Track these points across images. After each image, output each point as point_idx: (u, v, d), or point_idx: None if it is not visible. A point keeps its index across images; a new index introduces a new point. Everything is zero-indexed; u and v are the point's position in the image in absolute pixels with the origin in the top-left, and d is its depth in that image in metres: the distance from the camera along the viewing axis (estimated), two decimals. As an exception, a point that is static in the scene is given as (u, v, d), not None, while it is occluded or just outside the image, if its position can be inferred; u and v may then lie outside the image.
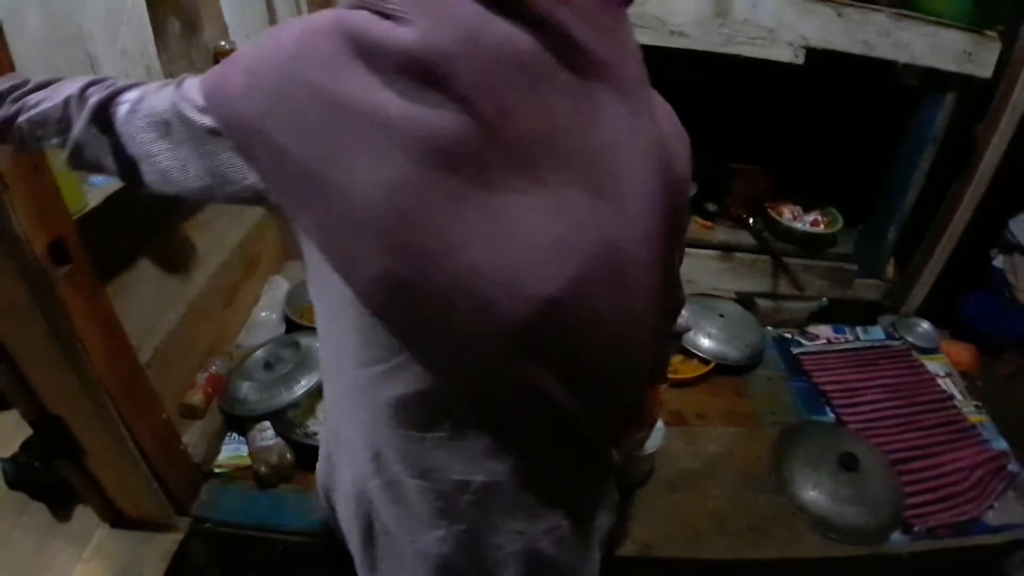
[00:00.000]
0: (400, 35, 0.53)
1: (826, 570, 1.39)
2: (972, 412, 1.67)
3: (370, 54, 0.54)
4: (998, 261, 1.94)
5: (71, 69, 1.15)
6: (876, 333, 1.93)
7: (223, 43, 1.49)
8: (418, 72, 0.53)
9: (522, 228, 0.57)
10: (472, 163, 0.55)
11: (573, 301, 0.60)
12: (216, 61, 1.47)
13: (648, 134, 0.64)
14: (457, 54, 0.53)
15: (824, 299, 1.87)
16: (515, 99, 0.55)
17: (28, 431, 1.45)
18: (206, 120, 0.60)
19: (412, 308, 0.59)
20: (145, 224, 1.36)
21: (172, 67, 1.39)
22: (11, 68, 0.89)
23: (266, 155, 0.57)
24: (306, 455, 1.43)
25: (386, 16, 0.55)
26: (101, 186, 1.16)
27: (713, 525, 1.40)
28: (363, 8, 0.57)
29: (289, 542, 1.36)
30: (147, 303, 1.36)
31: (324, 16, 0.57)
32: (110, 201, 1.16)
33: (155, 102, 0.64)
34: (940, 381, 1.75)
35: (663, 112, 0.70)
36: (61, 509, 1.39)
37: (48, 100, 0.68)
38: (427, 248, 0.56)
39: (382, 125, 0.53)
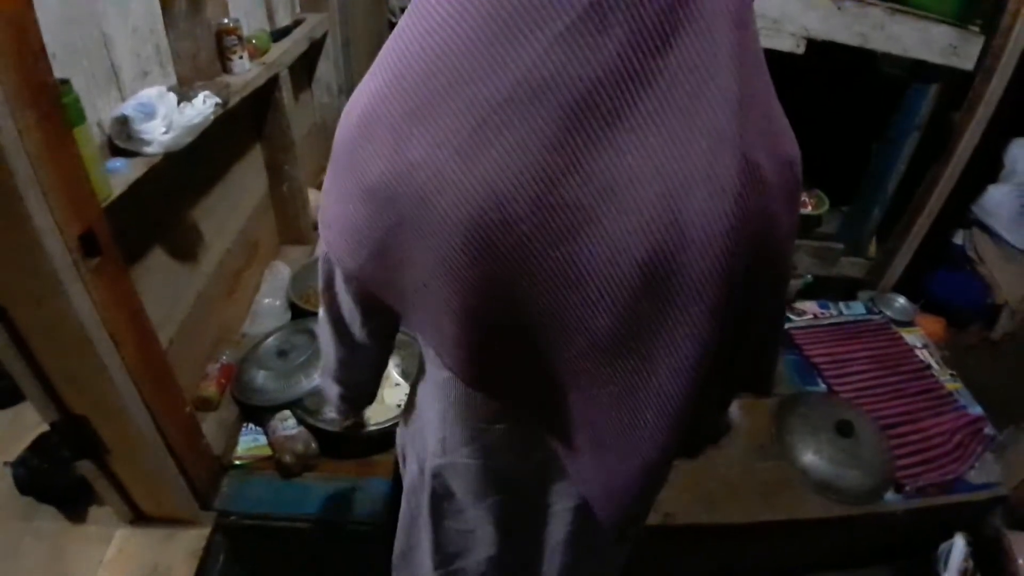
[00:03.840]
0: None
1: (829, 528, 1.50)
2: (948, 380, 1.82)
3: (417, 221, 0.54)
4: (958, 238, 2.09)
5: (86, 47, 1.10)
6: (857, 308, 2.06)
7: (225, 20, 1.42)
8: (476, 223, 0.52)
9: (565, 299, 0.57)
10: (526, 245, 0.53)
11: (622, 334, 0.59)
12: (219, 39, 1.42)
13: (726, 169, 0.51)
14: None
15: (809, 276, 1.98)
16: (575, 153, 0.50)
17: (26, 432, 1.39)
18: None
19: (495, 373, 0.65)
20: (156, 211, 1.30)
21: (179, 45, 1.33)
22: (41, 44, 0.85)
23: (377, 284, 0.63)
24: (328, 442, 1.42)
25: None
26: (124, 172, 1.10)
27: (726, 491, 1.49)
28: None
29: (317, 530, 1.35)
30: (159, 294, 1.31)
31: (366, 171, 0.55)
32: (130, 189, 1.10)
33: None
34: (918, 352, 1.89)
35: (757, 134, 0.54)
36: (74, 511, 1.34)
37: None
38: (504, 329, 0.60)
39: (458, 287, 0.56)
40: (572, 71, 0.47)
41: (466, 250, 0.53)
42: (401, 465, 1.02)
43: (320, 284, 0.71)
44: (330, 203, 0.61)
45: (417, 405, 0.88)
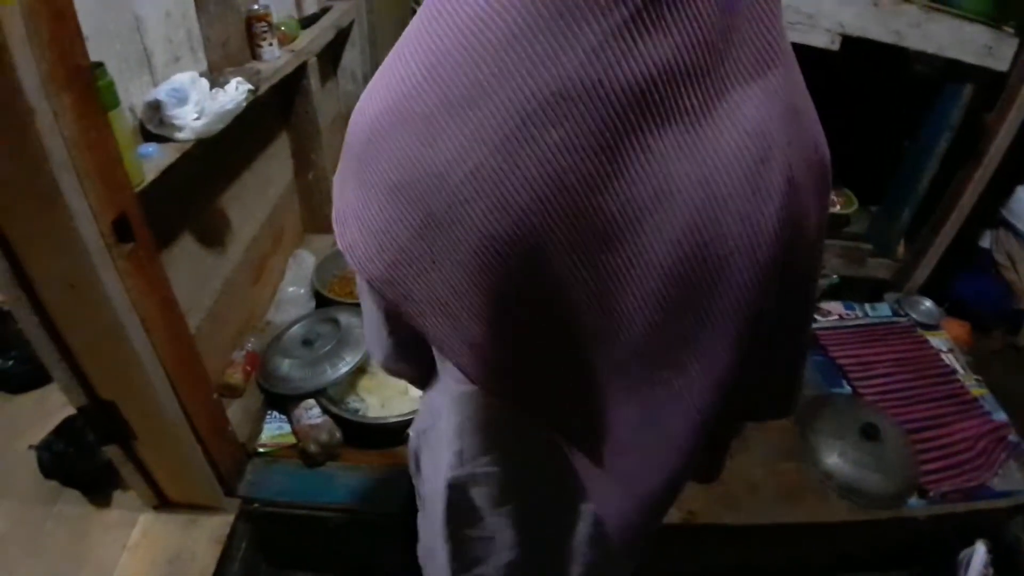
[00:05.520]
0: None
1: (851, 532, 1.49)
2: (973, 385, 1.79)
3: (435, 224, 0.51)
4: (984, 240, 2.07)
5: (119, 30, 1.09)
6: (883, 310, 2.03)
7: (255, 6, 1.41)
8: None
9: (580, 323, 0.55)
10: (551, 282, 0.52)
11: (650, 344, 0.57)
12: (249, 25, 1.41)
13: (773, 177, 0.50)
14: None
15: (835, 276, 1.96)
16: (606, 164, 0.47)
17: (50, 416, 1.39)
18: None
19: (524, 386, 0.62)
20: (185, 197, 1.30)
21: (210, 31, 1.33)
22: (77, 26, 0.84)
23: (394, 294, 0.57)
24: (351, 432, 1.42)
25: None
26: (156, 158, 1.10)
27: (749, 492, 1.48)
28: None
29: (340, 519, 1.36)
30: (187, 280, 1.31)
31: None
32: (160, 174, 1.10)
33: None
34: (943, 356, 1.86)
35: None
36: (98, 496, 1.34)
37: None
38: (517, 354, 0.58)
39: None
40: (626, 68, 0.44)
41: (502, 257, 0.50)
42: (412, 467, 1.00)
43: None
44: (347, 202, 0.56)
45: (431, 416, 0.85)
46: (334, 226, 0.59)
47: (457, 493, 0.83)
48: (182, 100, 1.13)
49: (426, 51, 0.49)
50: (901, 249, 2.08)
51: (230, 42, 1.37)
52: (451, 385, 0.72)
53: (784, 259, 0.52)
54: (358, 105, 0.54)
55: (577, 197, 0.48)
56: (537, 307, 0.54)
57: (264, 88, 1.35)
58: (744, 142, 0.48)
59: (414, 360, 0.77)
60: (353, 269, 0.59)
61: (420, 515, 1.01)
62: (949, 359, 1.86)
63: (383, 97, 0.51)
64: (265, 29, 1.43)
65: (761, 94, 0.48)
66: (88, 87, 0.88)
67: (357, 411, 1.46)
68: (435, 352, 0.73)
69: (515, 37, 0.45)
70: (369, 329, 0.74)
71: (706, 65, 0.46)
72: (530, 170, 0.47)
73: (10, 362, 1.52)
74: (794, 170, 0.50)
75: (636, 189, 0.48)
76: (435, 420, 0.83)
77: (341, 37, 2.01)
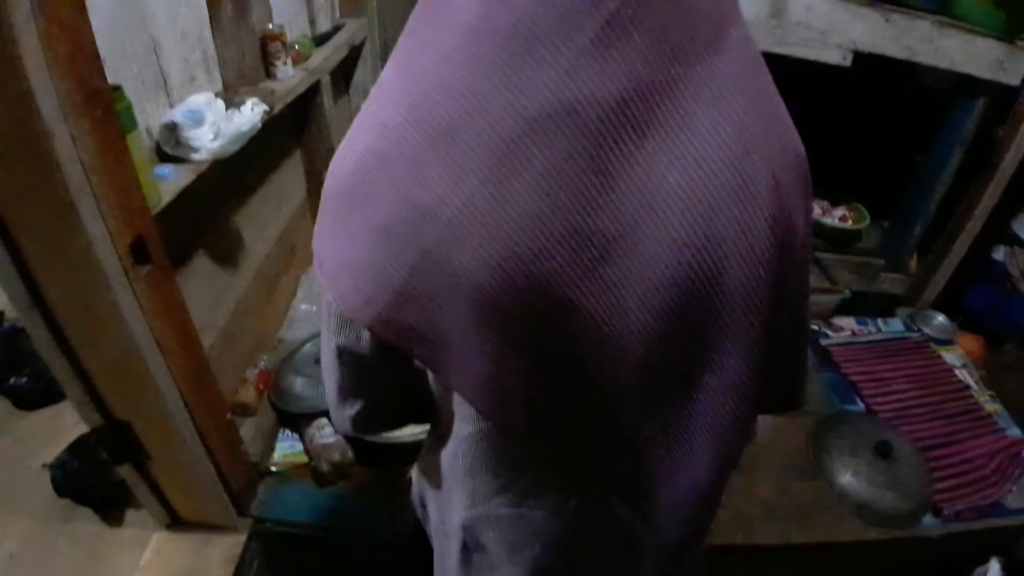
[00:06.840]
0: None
1: (866, 551, 1.47)
2: (987, 401, 1.78)
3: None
4: (998, 254, 2.06)
5: (135, 51, 1.10)
6: (895, 325, 2.02)
7: (270, 26, 1.42)
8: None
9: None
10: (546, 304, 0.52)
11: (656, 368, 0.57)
12: (263, 45, 1.42)
13: (757, 173, 0.51)
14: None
15: (847, 291, 1.95)
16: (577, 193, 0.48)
17: (62, 433, 1.40)
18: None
19: (519, 418, 0.62)
20: (199, 217, 1.30)
21: (225, 51, 1.34)
22: (94, 49, 0.84)
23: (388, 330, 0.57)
24: (365, 452, 1.42)
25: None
26: (171, 179, 1.10)
27: (762, 512, 1.47)
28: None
29: (352, 540, 1.35)
30: (201, 299, 1.31)
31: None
32: (177, 195, 1.10)
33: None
34: (957, 372, 1.85)
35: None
36: (110, 514, 1.34)
37: None
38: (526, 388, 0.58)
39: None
40: (601, 85, 0.45)
41: (503, 284, 0.50)
42: (419, 510, 0.99)
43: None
44: (334, 252, 0.56)
45: (439, 461, 0.82)
46: (321, 279, 0.58)
47: (470, 535, 0.81)
48: (198, 121, 1.13)
49: (402, 97, 0.50)
50: (913, 264, 2.08)
51: (245, 61, 1.38)
52: (460, 427, 0.71)
53: (778, 257, 0.53)
54: (335, 158, 0.55)
55: (569, 215, 0.48)
56: (541, 332, 0.53)
57: (278, 107, 1.35)
58: (726, 143, 0.48)
59: (380, 425, 0.77)
60: (354, 320, 0.58)
61: (436, 553, 0.99)
62: (962, 374, 1.85)
63: (364, 147, 0.52)
64: (279, 48, 1.43)
65: (736, 94, 0.49)
66: (107, 111, 0.88)
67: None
68: (437, 394, 0.72)
69: (489, 68, 0.46)
70: (338, 396, 0.73)
71: (677, 70, 0.47)
72: (521, 194, 0.47)
73: (24, 379, 1.52)
74: (775, 169, 0.51)
75: (626, 201, 0.49)
76: (442, 467, 0.81)
77: (353, 54, 2.02)
